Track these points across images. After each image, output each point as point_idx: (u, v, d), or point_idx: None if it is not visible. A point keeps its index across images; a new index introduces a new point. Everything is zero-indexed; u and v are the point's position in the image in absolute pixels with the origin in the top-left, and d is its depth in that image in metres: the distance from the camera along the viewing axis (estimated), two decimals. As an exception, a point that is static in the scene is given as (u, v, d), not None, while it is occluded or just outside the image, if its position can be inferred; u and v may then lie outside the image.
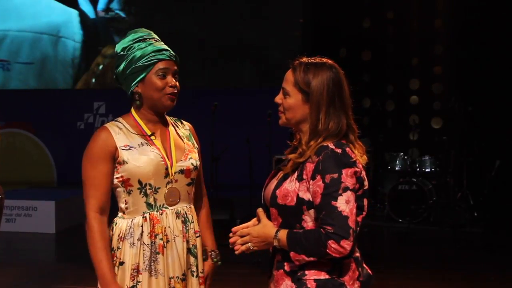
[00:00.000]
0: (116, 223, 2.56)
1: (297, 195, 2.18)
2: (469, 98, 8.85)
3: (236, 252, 2.30)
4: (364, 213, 2.23)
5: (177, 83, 2.58)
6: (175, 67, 2.57)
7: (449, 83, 9.65)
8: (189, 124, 2.77)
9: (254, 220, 2.34)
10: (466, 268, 6.32)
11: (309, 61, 2.28)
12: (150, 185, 2.50)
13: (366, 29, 9.95)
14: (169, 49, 2.59)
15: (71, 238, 7.62)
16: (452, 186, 8.48)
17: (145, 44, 2.55)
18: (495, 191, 8.44)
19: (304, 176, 2.18)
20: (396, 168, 8.73)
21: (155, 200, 2.52)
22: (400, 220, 8.30)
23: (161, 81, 2.53)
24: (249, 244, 2.27)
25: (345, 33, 9.73)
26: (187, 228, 2.57)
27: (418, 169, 8.62)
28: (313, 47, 9.82)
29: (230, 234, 2.32)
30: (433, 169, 8.64)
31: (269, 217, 2.29)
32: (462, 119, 8.58)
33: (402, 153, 8.77)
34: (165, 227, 2.52)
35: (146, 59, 2.52)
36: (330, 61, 2.29)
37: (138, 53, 2.54)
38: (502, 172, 8.54)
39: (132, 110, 2.62)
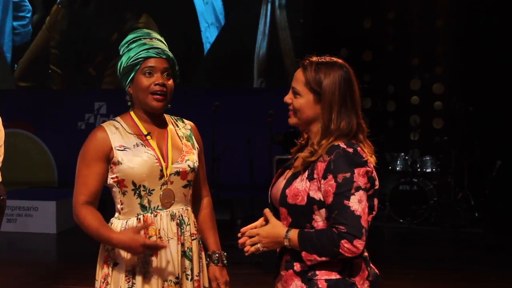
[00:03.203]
0: (112, 223, 2.55)
1: (308, 195, 2.17)
2: (470, 99, 8.84)
3: (246, 254, 2.28)
4: (374, 212, 2.23)
5: (168, 82, 2.51)
6: (165, 65, 2.51)
7: (450, 83, 9.63)
8: (191, 123, 2.73)
9: (261, 220, 2.33)
10: (467, 269, 6.31)
11: (320, 60, 2.25)
12: (144, 186, 2.48)
13: (367, 29, 9.93)
14: (161, 47, 2.52)
15: (72, 238, 7.59)
16: (453, 186, 8.48)
17: (136, 44, 2.53)
18: (496, 192, 8.43)
19: (315, 176, 2.16)
20: (397, 168, 8.72)
21: (149, 201, 2.49)
22: (401, 220, 8.30)
23: (148, 79, 2.49)
24: (258, 244, 2.25)
25: (346, 33, 9.71)
26: (182, 231, 2.53)
27: (419, 169, 8.61)
28: (314, 47, 9.79)
29: (239, 235, 2.30)
30: (434, 170, 8.63)
31: (276, 216, 2.27)
32: (463, 120, 8.57)
33: (403, 153, 8.77)
34: (159, 229, 2.49)
35: (134, 58, 2.50)
36: (340, 60, 2.27)
37: (128, 54, 2.52)
38: (503, 172, 8.52)
39: (131, 110, 2.60)
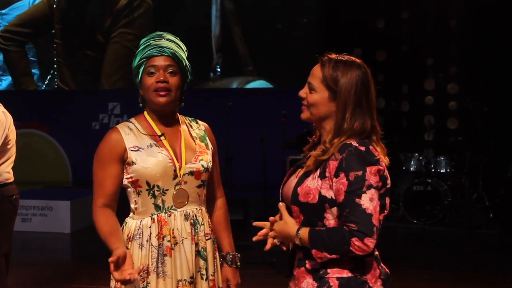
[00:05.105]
0: (126, 223, 2.57)
1: (319, 193, 2.17)
2: (485, 98, 8.79)
3: (267, 248, 2.34)
4: (386, 211, 2.22)
5: (171, 78, 2.50)
6: (168, 62, 2.50)
7: (464, 83, 9.59)
8: (205, 124, 2.74)
9: (278, 216, 2.34)
10: (482, 270, 6.28)
11: (338, 58, 2.24)
12: (158, 186, 2.49)
13: (380, 29, 9.92)
14: (165, 45, 2.52)
15: (86, 238, 7.63)
16: (467, 187, 8.43)
17: (143, 46, 2.54)
18: (511, 192, 8.37)
19: (327, 174, 2.16)
20: (411, 168, 8.68)
21: (163, 201, 2.51)
22: (415, 221, 8.26)
23: (150, 78, 2.50)
24: (274, 240, 2.30)
25: (360, 33, 9.71)
26: (196, 231, 2.55)
27: (433, 170, 8.56)
28: (327, 47, 9.77)
29: (254, 224, 2.37)
30: (448, 170, 8.59)
31: (290, 213, 2.28)
32: (478, 120, 8.52)
33: (417, 154, 8.73)
34: (173, 229, 2.50)
35: (139, 60, 2.52)
36: (358, 60, 2.25)
37: (136, 58, 2.55)
38: (518, 173, 8.46)
39: (145, 111, 2.62)
